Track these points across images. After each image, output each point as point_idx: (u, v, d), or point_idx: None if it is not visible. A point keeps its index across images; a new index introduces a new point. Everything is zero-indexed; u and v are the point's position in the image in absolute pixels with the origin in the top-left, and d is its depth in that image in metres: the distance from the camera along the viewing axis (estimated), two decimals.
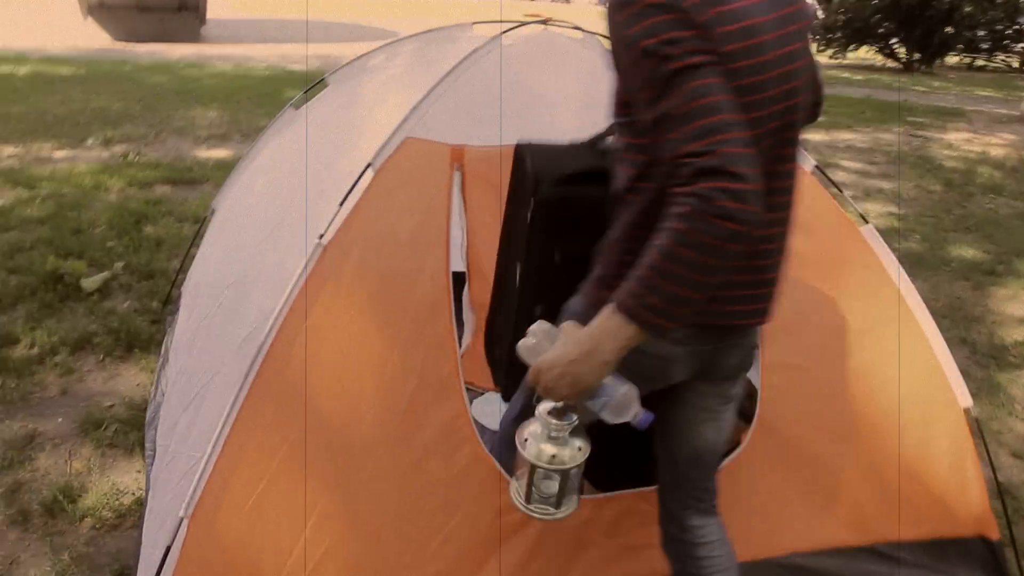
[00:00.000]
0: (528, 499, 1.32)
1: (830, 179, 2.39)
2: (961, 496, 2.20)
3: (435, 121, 1.84)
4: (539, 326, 1.26)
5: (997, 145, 8.75)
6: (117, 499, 2.29)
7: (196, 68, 11.02)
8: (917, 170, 7.31)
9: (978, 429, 2.23)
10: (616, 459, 2.15)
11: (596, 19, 1.86)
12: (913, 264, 4.67)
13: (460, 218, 2.19)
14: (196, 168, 5.78)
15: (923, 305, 2.27)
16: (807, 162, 2.35)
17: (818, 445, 2.12)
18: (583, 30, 2.37)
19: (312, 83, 2.77)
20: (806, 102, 1.41)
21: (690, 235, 1.10)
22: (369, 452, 1.66)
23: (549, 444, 1.26)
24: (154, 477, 2.02)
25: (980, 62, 18.69)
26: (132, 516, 2.22)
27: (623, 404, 1.23)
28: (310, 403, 1.61)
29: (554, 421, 1.26)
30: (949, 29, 16.56)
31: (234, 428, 1.55)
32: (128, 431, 2.59)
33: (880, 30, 16.84)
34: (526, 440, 1.28)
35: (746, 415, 2.12)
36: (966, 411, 2.22)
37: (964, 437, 2.21)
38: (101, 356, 3.04)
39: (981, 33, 17.74)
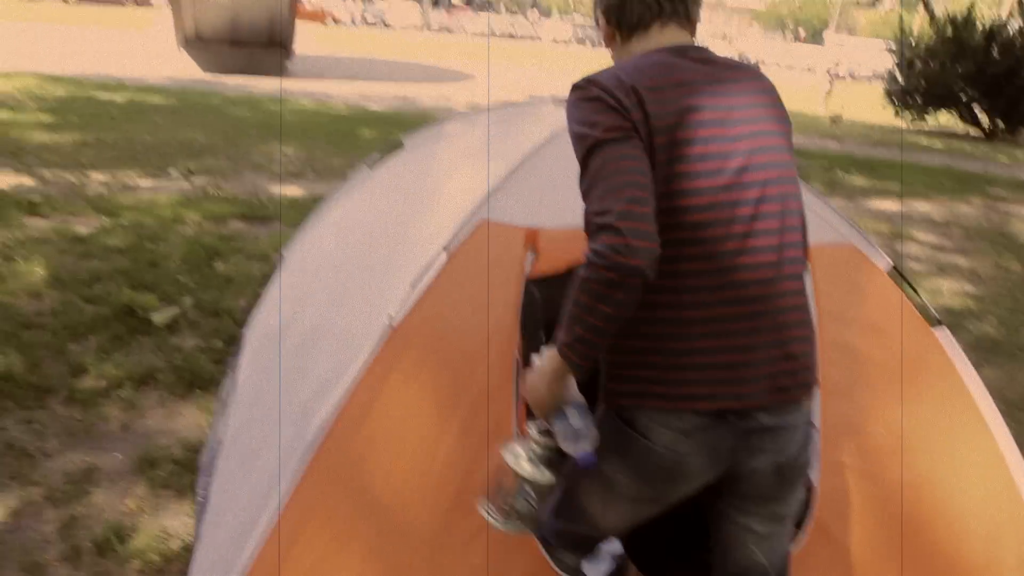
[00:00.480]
0: (503, 514, 1.49)
1: (905, 278, 2.32)
2: None
3: (511, 201, 1.86)
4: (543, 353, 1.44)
5: None
6: (165, 543, 2.33)
7: (278, 103, 11.46)
8: (996, 247, 7.05)
9: None
10: (664, 542, 2.10)
11: None
12: (987, 350, 4.48)
13: None
14: (270, 205, 5.97)
15: (997, 413, 2.17)
16: (882, 260, 2.29)
17: (876, 555, 2.02)
18: None
19: (389, 145, 2.83)
20: (776, 193, 1.46)
21: (586, 283, 1.30)
22: (420, 533, 1.66)
23: (526, 461, 1.45)
24: (203, 530, 2.05)
25: None
26: (178, 562, 2.26)
27: (575, 435, 1.41)
28: (366, 480, 1.62)
29: (534, 438, 1.45)
30: None
31: (288, 508, 1.57)
32: (182, 473, 2.64)
33: (962, 95, 16.45)
34: (512, 454, 1.46)
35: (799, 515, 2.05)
36: None
37: None
38: (164, 393, 3.12)
39: None
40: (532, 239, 1.82)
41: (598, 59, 27.79)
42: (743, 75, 1.50)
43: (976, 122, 16.95)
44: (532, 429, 1.47)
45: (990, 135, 16.65)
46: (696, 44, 1.54)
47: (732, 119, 1.43)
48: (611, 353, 1.45)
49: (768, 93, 1.52)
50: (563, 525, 1.61)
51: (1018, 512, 2.10)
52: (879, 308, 2.29)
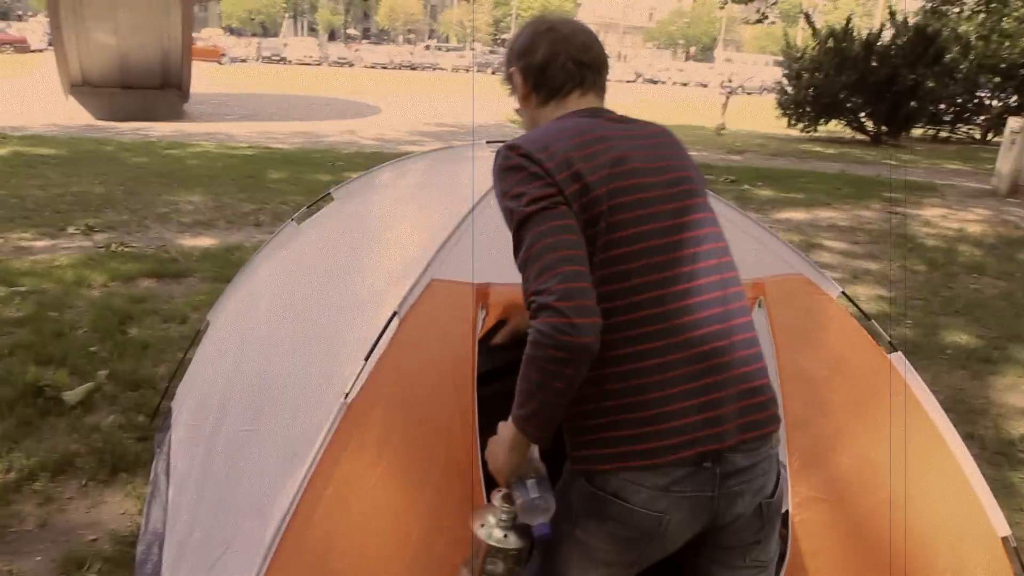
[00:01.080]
0: None
1: (856, 305, 2.35)
2: None
3: (458, 256, 1.77)
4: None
5: (973, 221, 8.93)
6: None
7: (179, 148, 11.03)
8: (900, 249, 7.40)
9: (1017, 558, 2.15)
10: None
11: None
12: (910, 353, 4.62)
13: None
14: (181, 259, 5.68)
15: (955, 431, 2.21)
16: (833, 289, 2.31)
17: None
18: None
19: (317, 198, 2.71)
20: (709, 233, 1.50)
21: (533, 361, 1.32)
22: None
23: (496, 528, 1.45)
24: None
25: (944, 134, 19.33)
26: None
27: (533, 507, 1.43)
28: None
29: (499, 505, 1.45)
30: (914, 103, 17.13)
31: None
32: (113, 570, 2.41)
33: (848, 104, 17.39)
34: (480, 524, 1.47)
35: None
36: (1004, 540, 2.14)
37: (1004, 569, 2.12)
38: (84, 480, 2.87)
39: (943, 107, 18.40)
40: (483, 296, 1.74)
41: (498, 86, 28.12)
42: (656, 130, 1.56)
43: (862, 128, 17.95)
44: (496, 498, 1.47)
45: (875, 140, 17.65)
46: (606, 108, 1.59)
47: (660, 167, 1.47)
48: (574, 420, 1.42)
49: (679, 146, 1.58)
50: None
51: (983, 526, 2.14)
52: (834, 337, 2.31)
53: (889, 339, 2.32)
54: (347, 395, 1.58)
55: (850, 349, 2.31)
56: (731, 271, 1.51)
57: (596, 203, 1.37)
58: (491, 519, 1.46)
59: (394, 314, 1.66)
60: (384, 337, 1.63)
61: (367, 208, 2.41)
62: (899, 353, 2.33)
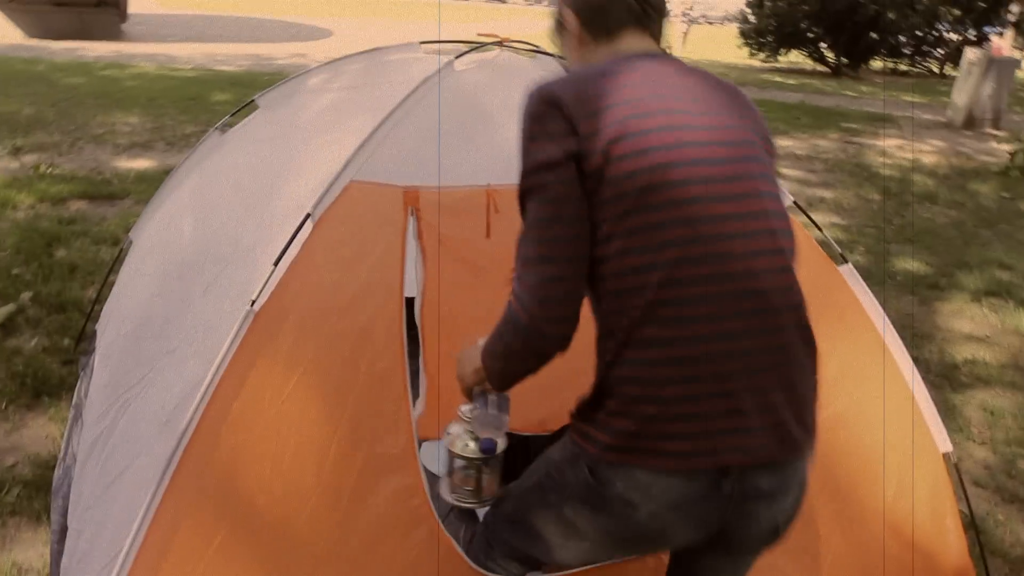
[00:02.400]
0: (453, 491, 1.57)
1: (808, 215, 2.27)
2: (941, 544, 2.11)
3: (384, 160, 1.64)
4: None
5: (928, 152, 8.96)
6: None
7: (116, 68, 10.46)
8: (855, 178, 7.40)
9: (958, 475, 2.15)
10: None
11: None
12: (861, 278, 4.66)
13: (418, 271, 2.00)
14: (115, 181, 5.40)
15: (903, 347, 2.18)
16: (785, 198, 2.23)
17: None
18: (541, 51, 2.19)
19: (240, 105, 2.51)
20: (762, 191, 1.29)
21: (503, 334, 1.30)
22: (313, 542, 1.45)
23: (463, 437, 1.52)
24: (64, 567, 1.75)
25: (903, 67, 19.33)
26: None
27: (485, 422, 1.50)
28: (242, 494, 1.39)
29: (464, 416, 1.51)
30: (874, 35, 17.04)
31: (151, 531, 1.32)
32: (34, 496, 2.30)
33: (809, 34, 17.23)
34: (447, 432, 1.53)
35: None
36: (945, 456, 2.13)
37: (944, 484, 2.12)
38: (4, 404, 2.72)
39: (903, 39, 18.35)
40: (412, 200, 1.61)
41: (461, 9, 27.26)
42: (726, 88, 1.36)
43: (823, 59, 17.84)
44: (462, 408, 1.52)
45: (835, 71, 17.57)
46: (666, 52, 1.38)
47: (720, 140, 1.26)
48: (599, 386, 1.25)
49: (750, 109, 1.37)
50: (515, 543, 1.43)
51: (927, 442, 2.13)
52: None
53: (840, 252, 2.26)
54: (253, 303, 1.45)
55: (800, 260, 2.25)
56: (785, 239, 1.32)
57: (630, 177, 1.18)
58: (456, 428, 1.53)
59: (307, 217, 1.53)
60: (296, 242, 1.50)
61: (295, 113, 2.24)
62: (849, 266, 2.28)
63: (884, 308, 4.17)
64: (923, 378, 3.56)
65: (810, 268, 2.22)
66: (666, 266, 1.19)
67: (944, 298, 4.61)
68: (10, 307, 3.29)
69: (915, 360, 3.70)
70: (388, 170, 1.62)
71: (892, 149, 8.94)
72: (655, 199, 1.19)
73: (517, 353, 1.28)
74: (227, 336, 1.42)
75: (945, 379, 3.65)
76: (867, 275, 4.73)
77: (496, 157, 1.89)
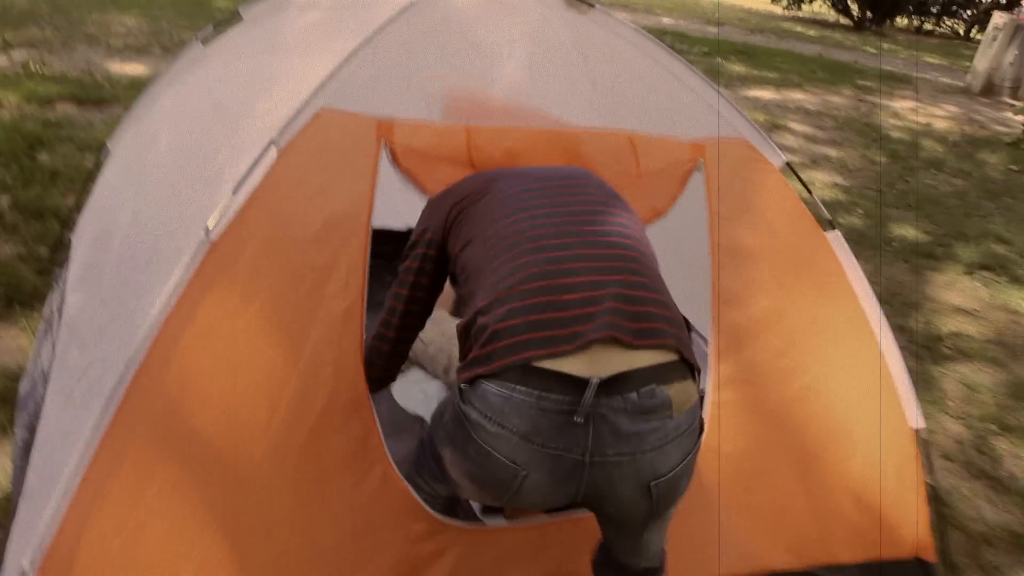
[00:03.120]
0: None
1: (799, 177, 2.20)
2: (903, 517, 2.11)
3: (361, 88, 1.56)
4: None
5: (941, 117, 8.78)
6: None
7: None
8: (864, 138, 7.25)
9: (926, 453, 2.14)
10: None
11: None
12: (855, 242, 4.60)
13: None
14: (107, 85, 5.25)
15: (883, 317, 2.14)
16: (777, 158, 2.15)
17: (764, 465, 1.99)
18: None
19: (223, 17, 2.40)
20: None
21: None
22: (263, 483, 1.43)
23: None
24: (28, 479, 1.74)
25: (928, 26, 18.81)
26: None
27: None
28: (191, 429, 1.36)
29: None
30: None
31: (95, 461, 1.30)
32: (1, 407, 2.28)
33: None
34: None
35: None
36: (916, 432, 2.12)
37: (911, 459, 2.11)
38: None
39: None
40: (386, 131, 1.54)
41: None
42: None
43: (847, 11, 17.33)
44: None
45: (859, 25, 17.09)
46: None
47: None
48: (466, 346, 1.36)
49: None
50: (432, 471, 1.52)
51: (898, 416, 2.11)
52: (772, 209, 2.18)
53: (829, 217, 2.20)
54: (209, 231, 1.40)
55: (787, 224, 2.19)
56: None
57: None
58: None
59: (270, 143, 1.46)
60: (259, 170, 1.43)
61: (278, 30, 2.14)
62: (836, 232, 2.22)
63: (878, 274, 4.11)
64: (906, 348, 3.58)
65: (794, 232, 2.18)
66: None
67: (938, 268, 4.57)
68: None
69: (900, 329, 3.72)
70: (364, 98, 1.54)
71: (905, 111, 8.75)
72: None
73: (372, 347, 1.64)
74: (179, 264, 1.37)
75: (928, 350, 3.63)
76: (861, 239, 4.67)
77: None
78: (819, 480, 2.05)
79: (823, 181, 5.75)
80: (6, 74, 5.14)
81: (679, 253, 2.38)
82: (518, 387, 1.21)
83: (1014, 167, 7.12)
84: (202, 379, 1.37)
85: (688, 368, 1.33)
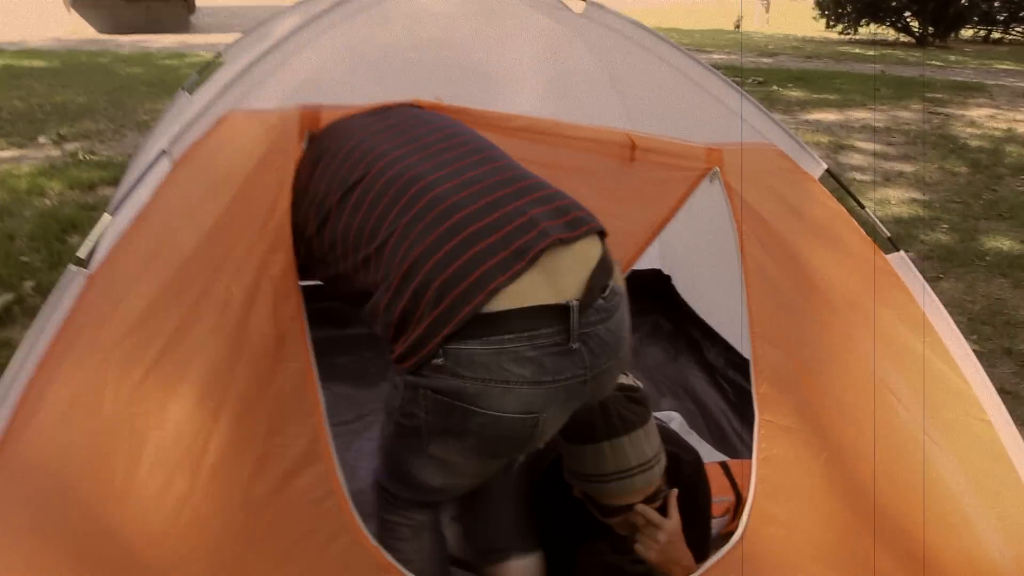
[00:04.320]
0: None
1: (846, 188, 1.86)
2: None
3: (287, 89, 1.34)
4: None
5: (1022, 122, 8.15)
6: None
7: (176, 58, 10.51)
8: (939, 150, 6.74)
9: None
10: None
11: None
12: (943, 259, 4.14)
13: None
14: None
15: (973, 358, 1.75)
16: (815, 166, 1.83)
17: (838, 537, 1.62)
18: None
19: (204, 63, 2.26)
20: None
21: None
22: (191, 571, 1.16)
23: None
24: None
25: (996, 35, 17.97)
26: None
27: None
28: (78, 513, 1.11)
29: None
30: (964, 1, 15.84)
31: None
32: None
33: (893, 3, 16.14)
34: None
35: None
36: None
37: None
38: None
39: (997, 4, 17.03)
40: (310, 122, 1.30)
41: None
42: None
43: (907, 30, 16.72)
44: None
45: (921, 41, 16.44)
46: None
47: None
48: (396, 331, 1.29)
49: None
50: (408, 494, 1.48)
51: (1006, 473, 1.71)
52: (815, 227, 1.85)
53: (888, 235, 1.84)
54: (83, 262, 1.18)
55: (834, 244, 1.84)
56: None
57: None
58: None
59: (161, 154, 1.24)
60: (146, 186, 1.21)
61: (252, 64, 1.96)
62: (901, 254, 1.85)
63: (969, 293, 3.60)
64: (1017, 373, 3.10)
65: (849, 254, 1.82)
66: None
67: None
68: (8, 296, 3.14)
69: (1008, 353, 3.23)
70: (284, 94, 1.32)
71: (982, 119, 8.17)
72: None
73: None
74: (57, 304, 1.15)
75: None
76: (951, 256, 4.20)
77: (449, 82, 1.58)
78: (916, 554, 1.66)
79: (899, 198, 5.30)
80: (55, 164, 5.24)
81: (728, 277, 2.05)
82: (505, 336, 1.15)
83: None
84: (90, 446, 1.12)
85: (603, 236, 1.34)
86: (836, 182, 1.84)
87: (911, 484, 1.66)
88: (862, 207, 1.89)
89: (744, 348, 2.65)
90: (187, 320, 1.20)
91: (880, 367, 1.67)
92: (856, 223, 1.81)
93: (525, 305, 1.16)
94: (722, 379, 2.93)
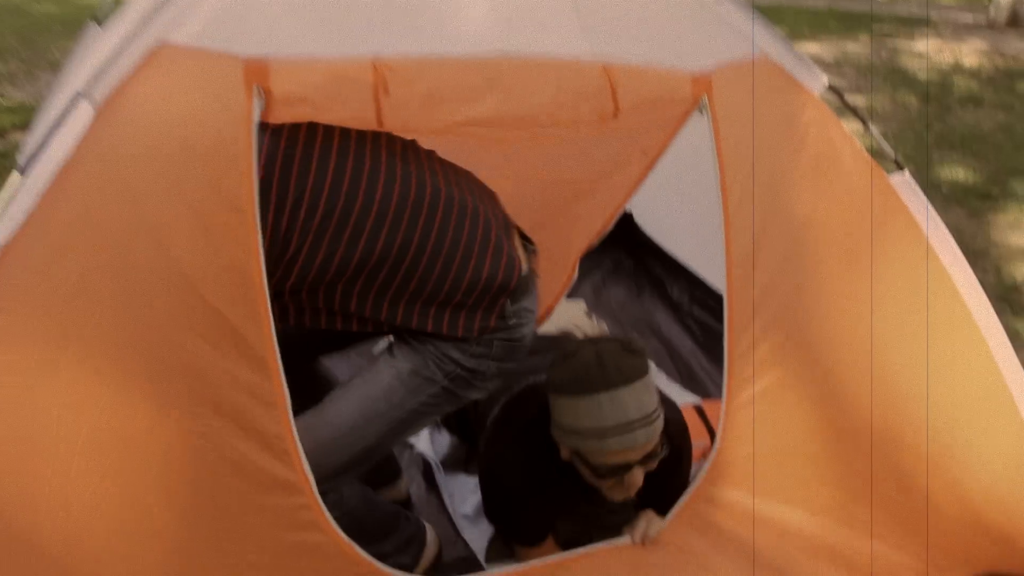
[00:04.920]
0: None
1: (848, 105, 1.73)
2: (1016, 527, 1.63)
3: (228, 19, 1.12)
4: None
5: (969, 53, 8.16)
6: None
7: None
8: (890, 83, 6.70)
9: None
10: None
11: None
12: (920, 191, 4.10)
13: None
14: None
15: (975, 283, 1.66)
16: (815, 82, 1.68)
17: (824, 471, 1.53)
18: None
19: None
20: None
21: None
22: None
23: None
24: None
25: None
26: None
27: None
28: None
29: None
30: None
31: None
32: None
33: None
34: None
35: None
36: None
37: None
38: None
39: None
40: (257, 76, 1.09)
41: None
42: None
43: None
44: None
45: None
46: None
47: None
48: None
49: None
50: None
51: (1004, 404, 1.63)
52: (814, 150, 1.71)
53: (892, 155, 1.72)
54: None
55: (836, 167, 1.71)
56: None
57: None
58: None
59: (76, 97, 1.02)
60: (64, 138, 0.99)
61: None
62: (906, 174, 1.73)
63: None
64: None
65: (852, 177, 1.71)
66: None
67: (998, 208, 4.04)
68: None
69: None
70: (223, 33, 1.09)
71: (930, 52, 8.15)
72: None
73: None
74: None
75: (1005, 302, 3.12)
76: None
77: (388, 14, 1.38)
78: (908, 488, 1.58)
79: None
80: None
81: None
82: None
83: None
84: (8, 454, 0.93)
85: None
86: (840, 100, 1.71)
87: (908, 419, 1.57)
88: (865, 124, 1.76)
89: (718, 281, 2.55)
90: (120, 313, 1.00)
91: (879, 299, 1.57)
92: (858, 143, 1.68)
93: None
94: (688, 317, 2.83)
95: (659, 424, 1.50)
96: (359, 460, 1.43)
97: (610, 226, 2.20)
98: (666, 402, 1.71)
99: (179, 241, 1.02)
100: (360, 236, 1.26)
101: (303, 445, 1.13)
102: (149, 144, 1.05)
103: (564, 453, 1.58)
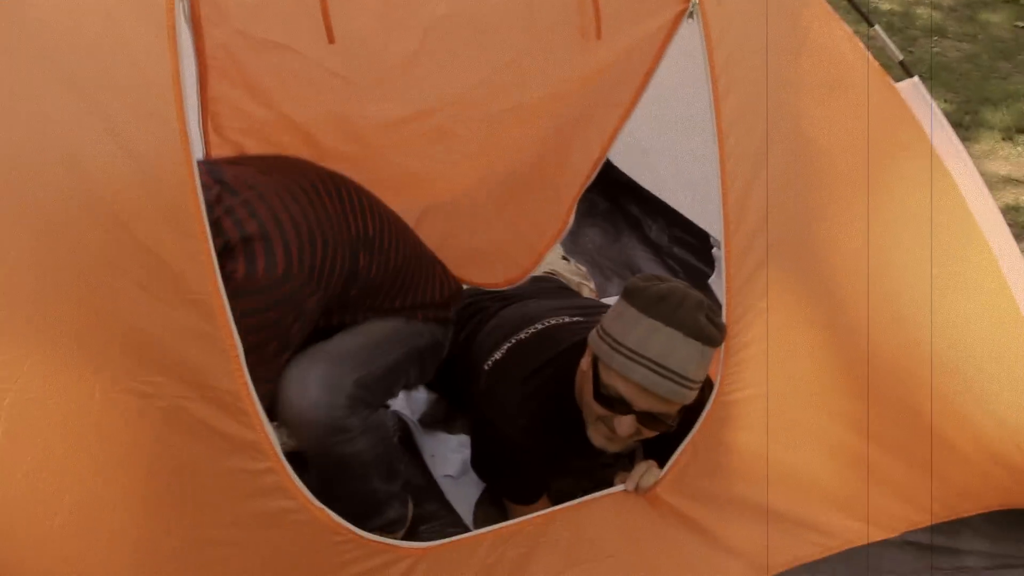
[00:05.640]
0: None
1: (856, 7, 1.59)
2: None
3: None
4: None
5: None
6: None
7: None
8: (851, 15, 6.59)
9: None
10: None
11: None
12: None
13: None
14: None
15: (989, 198, 1.55)
16: None
17: (826, 418, 1.43)
18: None
19: None
20: None
21: None
22: None
23: None
24: None
25: None
26: None
27: None
28: None
29: None
30: None
31: None
32: None
33: None
34: None
35: None
36: None
37: None
38: None
39: None
40: None
41: None
42: None
43: None
44: None
45: None
46: None
47: None
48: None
49: None
50: None
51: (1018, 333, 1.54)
52: (815, 55, 1.58)
53: (900, 58, 1.59)
54: None
55: (840, 72, 1.58)
56: None
57: None
58: None
59: None
60: None
61: None
62: (915, 80, 1.61)
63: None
64: None
65: (856, 85, 1.58)
66: None
67: (971, 138, 4.00)
68: None
69: None
70: None
71: None
72: None
73: None
74: None
75: None
76: None
77: None
78: (916, 424, 1.49)
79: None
80: None
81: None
82: None
83: (1020, 23, 6.51)
84: None
85: None
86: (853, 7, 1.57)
87: (917, 346, 1.46)
88: (871, 25, 1.62)
89: (699, 217, 2.43)
90: (39, 250, 0.82)
91: (885, 223, 1.45)
92: (862, 46, 1.54)
93: None
94: (668, 257, 2.71)
95: (689, 396, 1.45)
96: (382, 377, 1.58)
97: (600, 165, 2.06)
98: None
99: (92, 188, 0.83)
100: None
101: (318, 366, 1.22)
102: (46, 64, 0.86)
103: (584, 363, 1.51)
